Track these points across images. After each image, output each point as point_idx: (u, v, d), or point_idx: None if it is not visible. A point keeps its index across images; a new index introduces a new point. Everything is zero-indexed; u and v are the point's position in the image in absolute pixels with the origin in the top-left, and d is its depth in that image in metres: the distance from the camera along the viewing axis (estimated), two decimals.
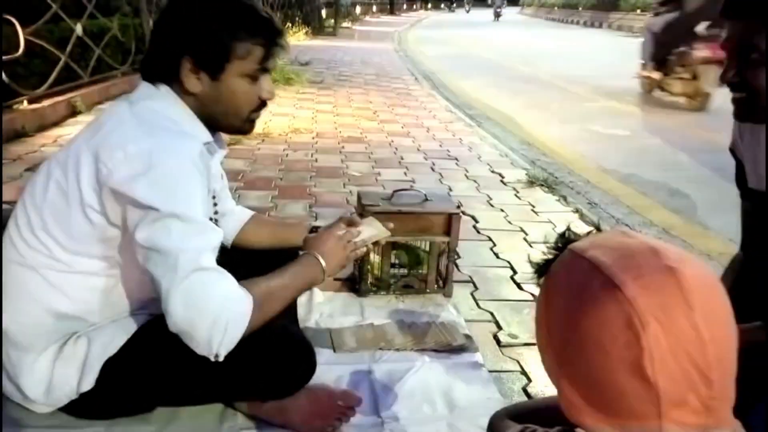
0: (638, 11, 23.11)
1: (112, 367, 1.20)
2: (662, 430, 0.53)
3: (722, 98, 6.26)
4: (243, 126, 1.23)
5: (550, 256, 0.67)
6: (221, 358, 1.08)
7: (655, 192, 3.54)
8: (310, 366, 1.30)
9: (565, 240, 0.68)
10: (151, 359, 1.20)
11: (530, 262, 0.69)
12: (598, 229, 0.72)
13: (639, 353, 0.52)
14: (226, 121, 1.21)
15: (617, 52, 12.49)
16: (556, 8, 33.01)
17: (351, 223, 1.40)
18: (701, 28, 5.35)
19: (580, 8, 28.67)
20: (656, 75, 6.07)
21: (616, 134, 5.16)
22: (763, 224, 1.25)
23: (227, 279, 1.08)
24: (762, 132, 1.16)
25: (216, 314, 1.04)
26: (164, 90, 1.16)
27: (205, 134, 1.19)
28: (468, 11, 40.21)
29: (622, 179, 3.80)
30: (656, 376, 0.52)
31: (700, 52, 5.36)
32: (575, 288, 0.57)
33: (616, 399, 0.54)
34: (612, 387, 0.54)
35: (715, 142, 4.73)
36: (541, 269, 0.66)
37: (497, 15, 28.21)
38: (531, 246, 2.51)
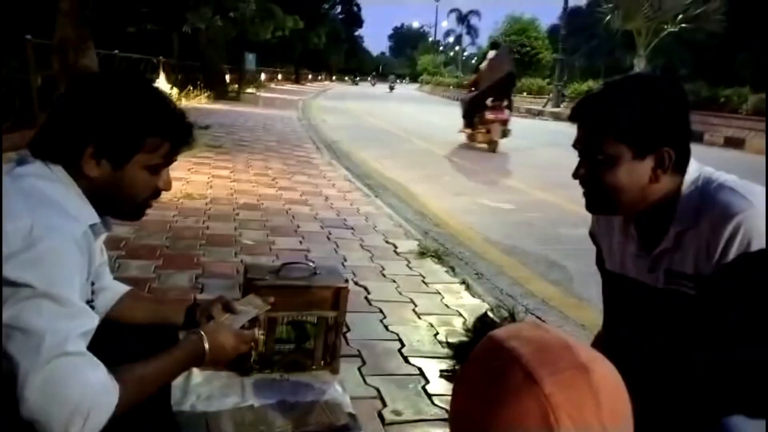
0: (524, 93, 25.27)
1: None
2: None
3: (504, 144, 8.55)
4: (134, 212, 1.21)
5: (466, 339, 0.69)
6: None
7: (535, 264, 3.75)
8: None
9: (482, 325, 0.70)
10: None
11: (448, 343, 0.71)
12: (513, 316, 0.75)
13: None
14: (119, 207, 1.18)
15: None
16: (451, 87, 35.30)
17: (227, 307, 1.37)
18: (488, 101, 9.05)
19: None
20: (467, 131, 9.68)
21: (502, 207, 5.47)
22: (619, 304, 1.35)
23: (94, 366, 1.00)
24: (614, 221, 1.28)
25: (76, 404, 0.96)
26: (56, 170, 1.10)
27: (92, 216, 1.14)
28: (373, 84, 47.99)
29: (506, 251, 4.00)
30: None
31: (490, 115, 8.98)
32: (494, 377, 0.59)
33: None
34: None
35: (589, 218, 5.14)
36: (459, 353, 0.68)
37: (391, 88, 37.02)
38: (420, 318, 2.55)
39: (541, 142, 11.29)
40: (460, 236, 4.28)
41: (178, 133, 1.16)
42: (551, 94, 22.13)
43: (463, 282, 3.08)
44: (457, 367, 0.71)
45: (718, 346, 1.08)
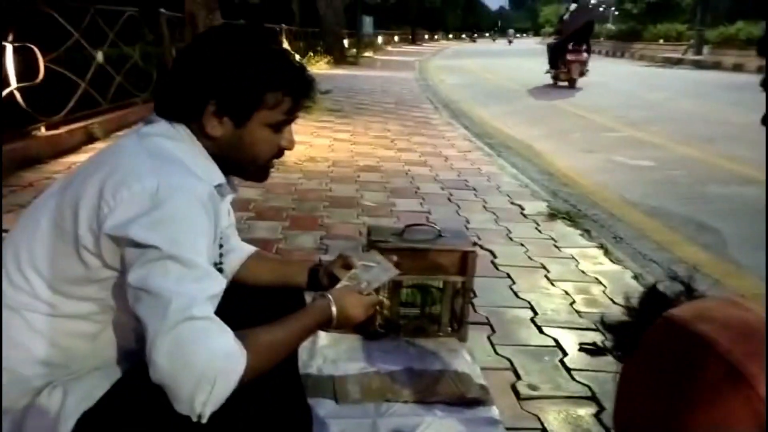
0: (661, 41, 23.02)
1: (88, 421, 1.09)
2: None
3: (582, 82, 9.27)
4: (258, 173, 1.18)
5: (629, 320, 0.55)
6: (204, 419, 0.96)
7: (682, 226, 3.37)
8: (305, 427, 1.16)
9: (652, 302, 0.55)
10: (131, 415, 1.08)
11: (603, 323, 0.57)
12: (690, 291, 0.57)
13: None
14: (243, 167, 1.15)
15: (638, 82, 12.35)
16: None
17: (346, 264, 1.31)
18: (570, 46, 10.61)
19: (602, 38, 28.67)
20: (552, 71, 11.31)
21: (640, 165, 4.99)
22: None
23: (221, 331, 0.97)
24: None
25: (202, 371, 0.93)
26: (180, 129, 1.10)
27: (218, 176, 1.12)
28: (494, 40, 47.40)
29: (647, 212, 3.64)
30: None
31: (570, 56, 10.62)
32: (683, 371, 0.46)
33: None
34: None
35: (743, 175, 4.54)
36: (624, 338, 0.53)
37: (510, 42, 35.82)
38: (553, 284, 2.36)
39: (682, 92, 10.21)
40: (594, 196, 3.95)
41: (299, 88, 1.10)
42: (692, 41, 19.92)
43: (601, 246, 2.83)
44: (617, 355, 0.55)
45: None
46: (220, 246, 1.23)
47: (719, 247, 3.08)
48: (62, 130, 4.18)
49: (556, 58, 10.90)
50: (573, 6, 11.31)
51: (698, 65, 17.22)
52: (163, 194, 0.97)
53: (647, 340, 0.51)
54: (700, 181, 4.43)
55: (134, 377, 1.10)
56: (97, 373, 1.13)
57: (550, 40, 13.02)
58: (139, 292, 0.96)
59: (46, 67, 3.89)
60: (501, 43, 40.06)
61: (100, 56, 4.69)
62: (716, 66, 15.93)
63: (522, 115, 7.71)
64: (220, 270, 1.17)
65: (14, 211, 2.81)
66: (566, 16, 11.30)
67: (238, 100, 1.06)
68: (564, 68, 10.72)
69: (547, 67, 11.46)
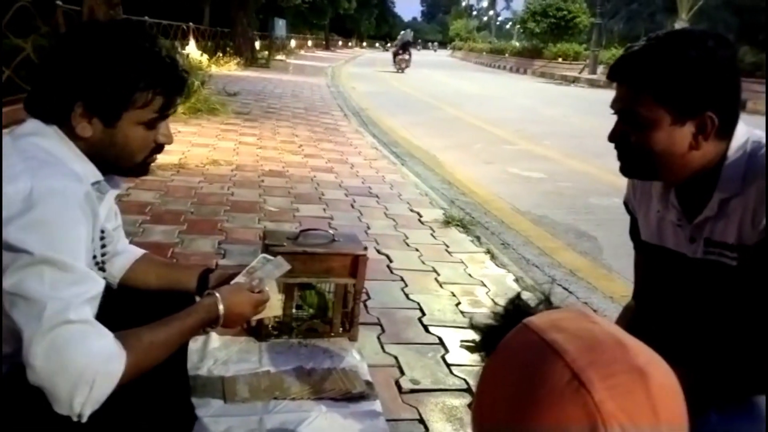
0: (560, 59, 24.55)
1: None
2: None
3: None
4: (136, 169, 1.16)
5: (495, 324, 0.61)
6: (84, 419, 0.97)
7: (564, 234, 3.67)
8: (188, 424, 1.20)
9: (515, 309, 0.61)
10: (11, 415, 1.07)
11: (473, 325, 0.63)
12: (549, 301, 0.63)
13: None
14: (119, 166, 1.14)
15: (538, 98, 13.13)
16: (484, 53, 34.55)
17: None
18: (399, 51, 21.79)
19: (507, 54, 30.12)
20: (395, 65, 19.79)
21: (532, 176, 5.35)
22: (653, 275, 1.29)
23: (99, 334, 0.98)
24: (652, 188, 1.21)
25: (80, 373, 0.94)
26: (53, 128, 1.07)
27: (94, 174, 1.11)
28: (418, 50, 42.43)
29: (534, 220, 3.92)
30: None
31: (398, 57, 21.39)
32: (531, 374, 0.51)
33: None
34: None
35: (623, 187, 4.99)
36: (488, 339, 0.59)
37: (434, 51, 34.65)
38: (442, 287, 2.51)
39: (576, 109, 10.98)
40: (488, 205, 4.21)
41: (170, 86, 1.09)
42: (588, 60, 21.44)
43: (488, 251, 3.03)
44: (482, 354, 0.61)
45: (758, 319, 1.02)
46: (103, 246, 1.23)
47: (595, 253, 3.39)
48: None
49: (395, 58, 20.96)
50: (402, 33, 22.63)
51: (592, 84, 18.55)
52: (36, 196, 0.97)
53: (505, 342, 0.56)
54: (583, 193, 4.82)
55: (12, 379, 1.09)
56: None
57: (392, 49, 22.91)
58: (15, 298, 0.95)
59: None
60: (419, 54, 40.56)
61: None
62: (608, 85, 17.21)
63: (429, 126, 8.00)
64: (102, 269, 1.17)
65: None
66: (398, 39, 22.17)
67: (106, 101, 1.05)
68: (397, 63, 20.46)
69: (393, 63, 20.90)
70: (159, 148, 1.15)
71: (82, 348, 0.95)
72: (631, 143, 1.07)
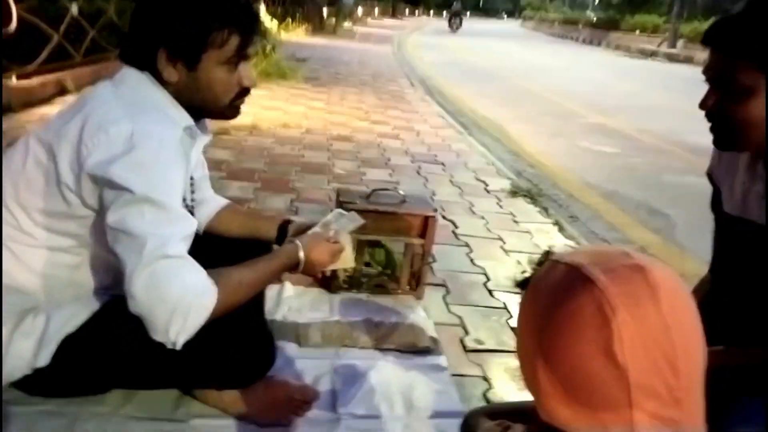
0: (637, 32, 23.34)
1: (69, 345, 1.18)
2: (633, 421, 0.55)
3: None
4: (225, 112, 1.22)
5: (532, 272, 0.68)
6: (179, 347, 1.07)
7: (635, 210, 3.57)
8: (268, 358, 1.29)
9: (547, 257, 0.70)
10: (110, 340, 1.19)
11: (514, 281, 0.70)
12: None
13: (609, 337, 0.54)
14: (208, 109, 1.20)
15: (612, 71, 12.59)
16: (556, 24, 33.24)
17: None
18: (451, 18, 28.36)
19: (581, 25, 28.88)
20: (448, 26, 21.81)
21: (603, 151, 5.19)
22: (733, 249, 1.26)
23: (193, 269, 1.07)
24: (739, 159, 1.17)
25: (176, 302, 1.03)
26: (147, 75, 1.15)
27: (186, 119, 1.18)
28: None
29: (604, 195, 3.83)
30: (626, 360, 0.54)
31: (451, 21, 27.83)
32: (552, 286, 0.60)
33: (589, 386, 0.56)
34: (585, 373, 0.56)
35: (699, 166, 4.77)
36: (524, 283, 0.67)
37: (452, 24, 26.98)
38: (507, 254, 2.52)
39: (652, 84, 10.48)
40: (556, 178, 4.13)
41: (244, 23, 1.14)
42: (667, 34, 20.27)
43: (556, 223, 3.00)
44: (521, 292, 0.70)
45: None
46: (192, 192, 1.31)
47: (667, 230, 3.29)
48: (34, 80, 4.15)
49: (449, 22, 25.39)
50: (453, 5, 26.90)
51: (671, 58, 17.57)
52: (137, 138, 1.05)
53: (535, 275, 0.65)
54: (657, 169, 4.65)
55: (113, 308, 1.20)
56: (76, 302, 1.23)
57: (447, 18, 28.13)
58: (118, 233, 1.05)
59: (19, 16, 3.84)
60: (486, 23, 39.17)
61: (74, 9, 4.63)
62: (688, 60, 16.27)
63: (496, 97, 7.84)
64: (192, 213, 1.26)
65: None
66: (451, 9, 26.64)
67: (185, 43, 1.11)
68: (451, 26, 24.72)
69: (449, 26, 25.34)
70: (245, 91, 1.20)
71: (178, 281, 1.03)
72: (724, 112, 1.04)
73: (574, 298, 0.57)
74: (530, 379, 0.62)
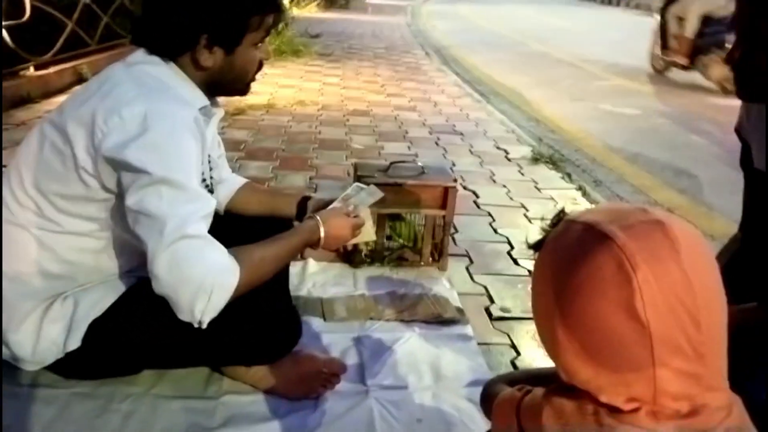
0: None
1: (98, 328, 1.20)
2: (656, 378, 0.54)
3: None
4: (245, 89, 1.25)
5: (546, 234, 0.68)
6: (204, 325, 1.07)
7: (661, 172, 3.50)
8: (295, 333, 1.30)
9: (561, 217, 0.69)
10: (138, 321, 1.20)
11: (527, 243, 0.70)
12: None
13: (630, 294, 0.54)
14: (231, 87, 1.23)
15: (632, 31, 12.24)
16: None
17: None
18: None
19: None
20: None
21: (626, 113, 5.08)
22: (764, 205, 1.23)
23: (214, 247, 1.07)
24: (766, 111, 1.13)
25: (200, 282, 1.03)
26: (158, 58, 1.15)
27: (201, 99, 1.19)
28: None
29: (628, 158, 3.75)
30: (648, 316, 0.54)
31: None
32: (568, 246, 0.60)
33: (610, 344, 0.56)
34: (606, 332, 0.55)
35: (727, 124, 4.64)
36: (538, 244, 0.67)
37: None
38: (531, 222, 2.49)
39: None
40: (578, 143, 4.06)
41: (276, 6, 1.18)
42: None
43: (580, 188, 2.96)
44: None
45: None
46: (210, 170, 1.31)
47: (695, 191, 3.22)
48: (51, 70, 4.17)
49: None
50: None
51: None
52: (150, 119, 1.04)
53: (550, 235, 0.65)
54: (682, 129, 4.54)
55: (140, 290, 1.21)
56: (103, 286, 1.25)
57: None
58: (138, 215, 1.05)
59: (32, 6, 3.85)
60: None
61: None
62: None
63: (514, 63, 7.69)
64: (211, 192, 1.26)
65: (9, 148, 2.87)
66: None
67: (229, 30, 1.13)
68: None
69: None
70: (260, 66, 1.23)
71: (201, 260, 1.04)
72: (750, 62, 1.00)
73: (592, 257, 0.56)
74: (549, 341, 0.62)
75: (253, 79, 1.24)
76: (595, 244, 0.57)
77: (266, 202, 1.53)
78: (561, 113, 4.94)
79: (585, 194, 2.89)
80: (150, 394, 1.30)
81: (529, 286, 0.66)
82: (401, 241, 2.02)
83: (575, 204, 2.74)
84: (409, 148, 3.53)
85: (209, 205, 1.10)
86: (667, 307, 0.54)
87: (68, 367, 1.24)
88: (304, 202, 1.49)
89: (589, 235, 0.58)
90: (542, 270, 0.63)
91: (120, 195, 1.10)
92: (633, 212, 0.59)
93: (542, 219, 0.71)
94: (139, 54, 1.16)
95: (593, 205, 2.72)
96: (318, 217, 1.29)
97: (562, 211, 0.69)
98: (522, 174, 3.15)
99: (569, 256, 0.59)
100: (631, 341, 0.54)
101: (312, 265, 1.92)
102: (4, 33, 3.63)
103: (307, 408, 1.29)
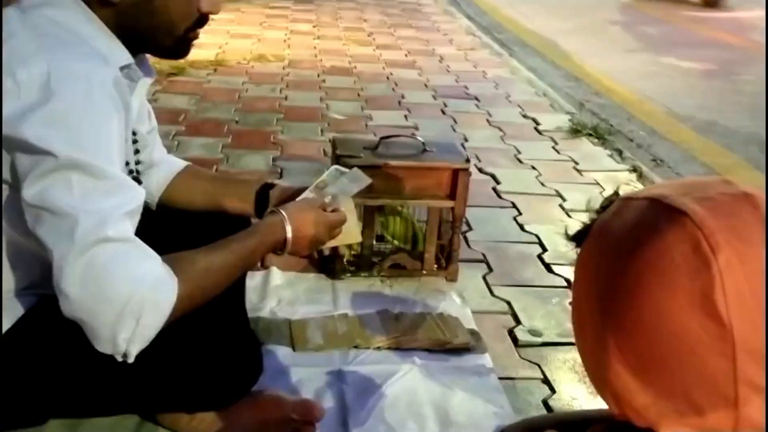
0: None
1: None
2: (738, 401, 0.53)
3: None
4: (176, 47, 1.22)
5: (592, 221, 0.67)
6: (131, 358, 1.07)
7: (743, 146, 3.54)
8: (254, 367, 1.31)
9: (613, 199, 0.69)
10: (39, 355, 1.20)
11: (566, 234, 0.69)
12: None
13: (709, 283, 0.53)
14: (155, 40, 1.19)
15: None
16: None
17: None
18: None
19: None
20: None
21: (696, 68, 5.13)
22: None
23: (144, 254, 1.06)
24: None
25: (123, 301, 1.02)
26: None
27: (123, 55, 1.17)
28: None
29: (699, 128, 3.79)
30: (730, 313, 0.52)
31: None
32: (624, 228, 0.59)
33: (677, 355, 0.54)
34: (673, 336, 0.54)
35: None
36: (581, 234, 0.66)
37: None
38: (569, 215, 2.51)
39: None
40: (632, 108, 4.09)
41: None
42: None
43: (634, 169, 2.99)
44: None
45: None
46: (137, 153, 1.30)
47: None
48: None
49: None
50: None
51: None
52: (56, 82, 1.02)
53: (600, 218, 0.64)
54: None
55: (42, 312, 1.21)
56: None
57: None
58: (40, 212, 1.03)
59: None
60: None
61: None
62: None
63: (545, 3, 7.72)
64: (138, 181, 1.25)
65: None
66: None
67: None
68: None
69: None
70: (203, 19, 1.19)
71: (125, 271, 1.03)
72: None
73: (659, 236, 0.55)
74: (594, 360, 0.61)
75: (191, 36, 1.21)
76: (662, 221, 0.56)
77: (214, 191, 1.53)
78: (609, 69, 4.97)
79: (641, 177, 2.92)
80: None
81: (567, 300, 0.66)
82: (396, 242, 2.03)
83: (628, 190, 2.76)
84: (406, 117, 3.54)
85: (136, 197, 1.10)
86: (755, 302, 0.52)
87: None
88: (265, 191, 1.49)
89: (653, 210, 0.58)
90: (587, 263, 0.62)
91: (15, 186, 1.09)
92: (712, 184, 0.59)
93: (587, 210, 0.71)
94: None
95: None
96: (283, 212, 1.29)
97: (615, 193, 0.68)
98: (557, 151, 3.17)
99: (625, 241, 0.58)
100: (707, 349, 0.53)
101: (276, 275, 1.92)
102: None
103: None
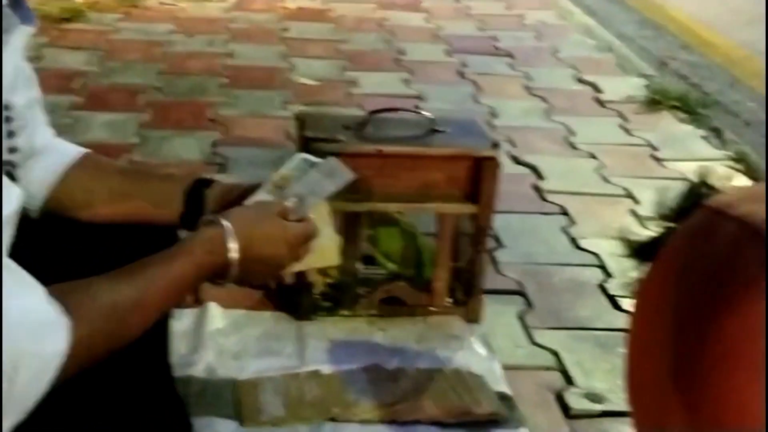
0: None
1: None
2: None
3: None
4: None
5: (665, 230, 0.71)
6: None
7: None
8: None
9: (695, 199, 0.73)
10: None
11: (626, 240, 0.75)
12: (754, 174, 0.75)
13: None
14: None
15: None
16: None
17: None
18: None
19: None
20: None
21: None
22: None
23: (22, 284, 1.07)
24: None
25: None
26: None
27: None
28: None
29: None
30: None
31: None
32: (719, 260, 0.61)
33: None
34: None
35: None
36: (650, 248, 0.70)
37: None
38: (644, 225, 2.51)
39: None
40: (736, 69, 4.14)
41: None
42: None
43: (739, 158, 3.00)
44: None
45: None
46: (10, 136, 1.31)
47: None
48: None
49: None
50: None
51: None
52: None
53: (674, 234, 0.68)
54: None
55: None
56: None
57: None
58: None
59: None
60: None
61: None
62: None
63: None
64: (11, 176, 1.25)
65: None
66: None
67: None
68: None
69: None
70: None
71: None
72: None
73: (750, 279, 0.57)
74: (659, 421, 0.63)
75: None
76: (755, 258, 0.58)
77: (125, 190, 1.54)
78: (701, 12, 5.02)
79: (749, 168, 2.92)
80: None
81: None
82: (391, 266, 2.04)
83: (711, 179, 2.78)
84: (407, 82, 3.57)
85: (9, 200, 1.11)
86: None
87: None
88: (198, 191, 1.49)
89: (754, 249, 0.59)
90: (657, 297, 0.65)
91: None
92: None
93: (657, 212, 0.73)
94: None
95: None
96: (225, 222, 1.29)
97: (700, 185, 0.75)
98: (627, 132, 3.20)
99: (719, 282, 0.60)
100: None
101: (216, 315, 1.93)
102: None
103: None
